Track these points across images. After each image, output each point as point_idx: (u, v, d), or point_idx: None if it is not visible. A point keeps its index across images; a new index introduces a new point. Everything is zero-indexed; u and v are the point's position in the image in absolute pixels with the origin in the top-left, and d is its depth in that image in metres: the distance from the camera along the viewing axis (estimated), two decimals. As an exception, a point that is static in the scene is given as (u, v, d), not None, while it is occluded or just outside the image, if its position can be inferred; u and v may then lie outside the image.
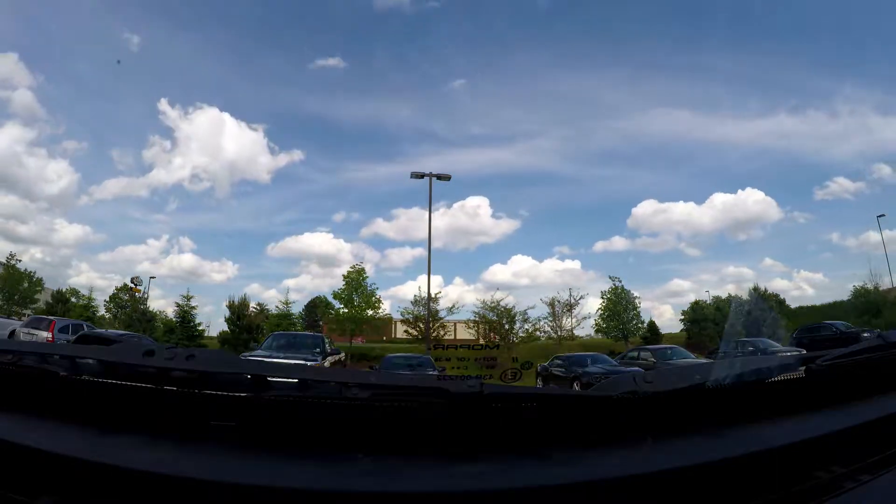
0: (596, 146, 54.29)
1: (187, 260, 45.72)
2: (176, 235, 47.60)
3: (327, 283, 58.30)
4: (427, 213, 23.03)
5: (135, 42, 44.78)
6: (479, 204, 45.01)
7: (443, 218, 43.11)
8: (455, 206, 44.41)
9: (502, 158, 57.64)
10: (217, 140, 45.45)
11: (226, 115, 46.49)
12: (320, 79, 50.72)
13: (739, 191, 44.56)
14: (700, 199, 49.92)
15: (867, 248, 39.60)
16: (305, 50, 55.11)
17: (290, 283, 58.58)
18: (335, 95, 53.65)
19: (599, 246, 48.34)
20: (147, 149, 49.60)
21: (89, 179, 53.83)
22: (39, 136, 42.82)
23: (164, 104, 44.30)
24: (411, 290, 42.14)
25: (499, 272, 44.70)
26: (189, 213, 51.23)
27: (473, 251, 48.22)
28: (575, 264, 44.59)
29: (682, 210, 44.60)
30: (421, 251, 47.39)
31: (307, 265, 53.22)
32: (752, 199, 42.65)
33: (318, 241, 45.82)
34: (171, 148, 46.46)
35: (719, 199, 44.19)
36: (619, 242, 46.73)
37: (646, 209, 44.32)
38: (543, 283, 46.92)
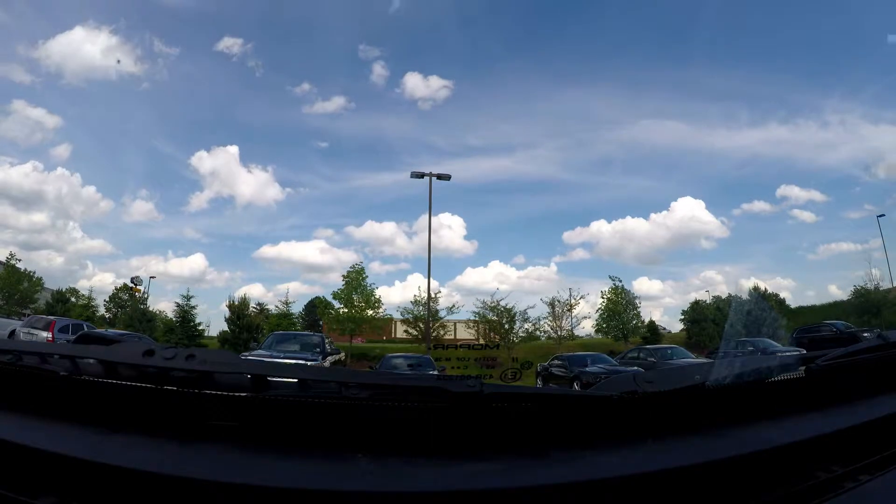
0: (587, 157, 57.36)
1: (194, 264, 48.21)
2: (185, 241, 51.97)
3: (316, 290, 60.01)
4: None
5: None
6: (451, 223, 47.23)
7: (419, 235, 45.35)
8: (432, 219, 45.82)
9: (495, 168, 59.85)
10: (231, 177, 50.05)
11: (234, 149, 49.72)
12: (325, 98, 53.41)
13: (673, 203, 47.73)
14: (646, 214, 53.05)
15: (820, 257, 43.69)
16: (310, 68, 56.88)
17: (283, 287, 60.93)
18: (339, 111, 55.64)
19: (576, 253, 51.03)
20: (170, 187, 56.72)
21: (117, 203, 57.33)
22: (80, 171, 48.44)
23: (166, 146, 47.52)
24: (395, 292, 43.77)
25: (475, 276, 46.81)
26: (201, 223, 54.75)
27: (448, 258, 50.12)
28: (550, 269, 47.28)
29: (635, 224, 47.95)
30: (404, 265, 51.67)
31: (299, 272, 55.27)
32: (689, 211, 45.52)
33: (311, 250, 49.16)
34: (194, 187, 53.98)
35: (654, 217, 47.81)
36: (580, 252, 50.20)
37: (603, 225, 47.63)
38: (513, 286, 49.55)
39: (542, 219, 61.97)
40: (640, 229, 48.62)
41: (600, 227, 49.30)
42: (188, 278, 47.96)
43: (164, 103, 55.02)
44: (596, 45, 56.62)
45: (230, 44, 50.56)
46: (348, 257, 51.75)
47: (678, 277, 59.72)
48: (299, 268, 53.64)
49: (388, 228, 50.79)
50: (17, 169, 44.10)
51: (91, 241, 52.37)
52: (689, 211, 46.27)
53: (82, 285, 46.81)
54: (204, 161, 50.45)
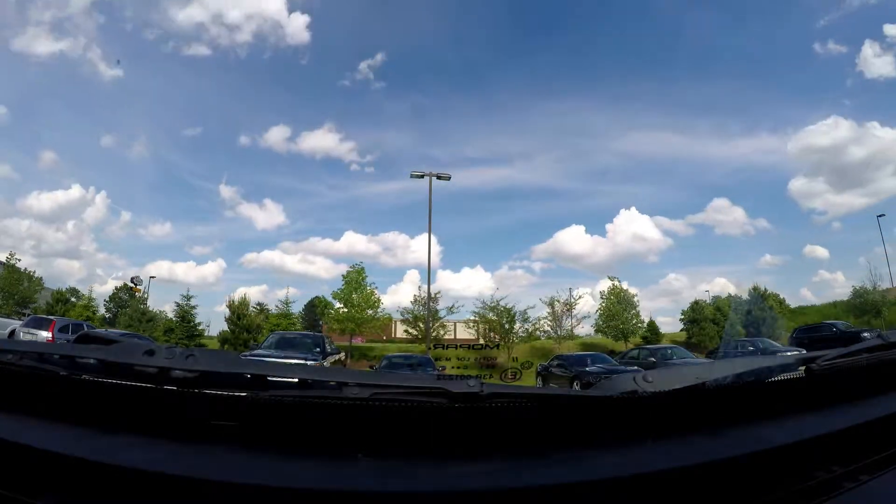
0: (577, 169, 59.51)
1: (191, 267, 50.28)
2: (188, 246, 55.70)
3: (309, 294, 61.44)
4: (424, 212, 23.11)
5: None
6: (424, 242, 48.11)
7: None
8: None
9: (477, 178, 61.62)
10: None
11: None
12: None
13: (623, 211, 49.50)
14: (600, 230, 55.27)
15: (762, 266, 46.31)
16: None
17: (280, 293, 62.37)
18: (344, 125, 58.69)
19: (540, 258, 53.36)
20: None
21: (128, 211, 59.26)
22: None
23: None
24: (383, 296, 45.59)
25: (449, 279, 47.76)
26: (206, 231, 57.86)
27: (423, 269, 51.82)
28: (520, 273, 49.19)
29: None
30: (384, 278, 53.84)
31: (292, 279, 57.37)
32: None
33: (293, 261, 51.17)
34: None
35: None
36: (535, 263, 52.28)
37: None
38: (484, 290, 52.39)
39: (519, 226, 64.40)
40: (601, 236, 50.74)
41: (569, 235, 50.96)
42: (192, 284, 50.16)
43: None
44: (586, 60, 58.39)
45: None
46: (330, 266, 53.74)
47: (642, 283, 61.78)
48: (288, 275, 55.47)
49: (363, 241, 52.43)
50: (58, 193, 48.29)
51: (103, 252, 55.81)
52: (635, 222, 48.32)
53: (96, 289, 49.09)
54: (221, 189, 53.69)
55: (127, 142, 57.55)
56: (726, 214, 50.46)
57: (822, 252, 48.39)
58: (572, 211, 67.11)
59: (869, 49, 42.89)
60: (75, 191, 48.21)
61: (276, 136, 55.83)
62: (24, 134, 51.99)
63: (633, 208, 49.41)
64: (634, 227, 47.72)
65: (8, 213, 45.85)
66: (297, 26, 49.52)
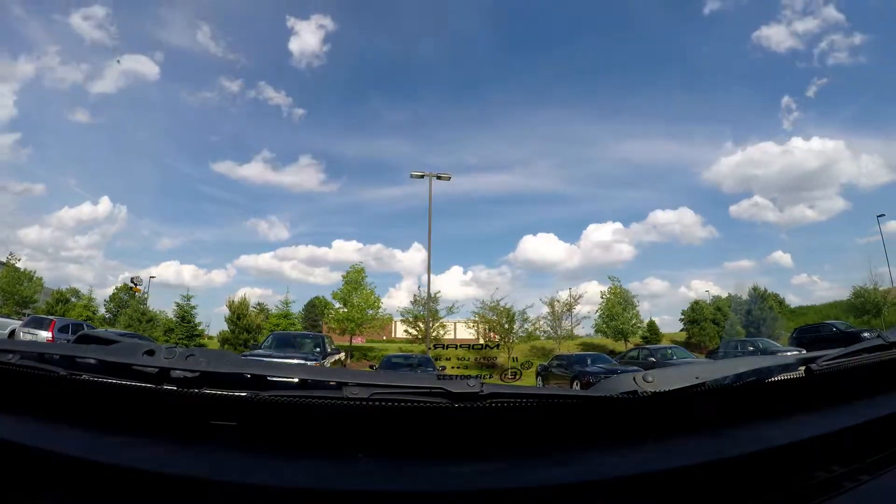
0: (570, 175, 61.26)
1: (203, 272, 52.18)
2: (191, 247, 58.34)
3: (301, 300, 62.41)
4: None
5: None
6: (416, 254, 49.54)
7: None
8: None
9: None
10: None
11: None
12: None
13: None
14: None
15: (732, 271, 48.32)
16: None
17: (279, 297, 63.65)
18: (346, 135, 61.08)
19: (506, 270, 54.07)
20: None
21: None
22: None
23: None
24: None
25: (434, 281, 47.99)
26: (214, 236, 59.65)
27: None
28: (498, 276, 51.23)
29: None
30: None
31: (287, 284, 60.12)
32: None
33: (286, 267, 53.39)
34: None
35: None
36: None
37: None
38: (470, 293, 54.68)
39: (508, 230, 68.07)
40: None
41: (542, 241, 52.73)
42: (195, 287, 51.82)
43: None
44: (580, 72, 59.46)
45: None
46: (325, 272, 55.07)
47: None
48: (285, 279, 56.48)
49: (353, 248, 53.14)
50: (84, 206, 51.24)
51: (113, 259, 59.19)
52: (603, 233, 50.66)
53: (105, 292, 50.54)
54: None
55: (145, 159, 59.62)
56: (690, 223, 52.46)
57: (784, 258, 49.92)
58: (560, 215, 68.48)
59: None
60: (103, 204, 50.22)
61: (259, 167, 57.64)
62: (50, 154, 54.91)
63: (609, 221, 51.81)
64: (605, 235, 50.15)
65: (32, 223, 49.53)
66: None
